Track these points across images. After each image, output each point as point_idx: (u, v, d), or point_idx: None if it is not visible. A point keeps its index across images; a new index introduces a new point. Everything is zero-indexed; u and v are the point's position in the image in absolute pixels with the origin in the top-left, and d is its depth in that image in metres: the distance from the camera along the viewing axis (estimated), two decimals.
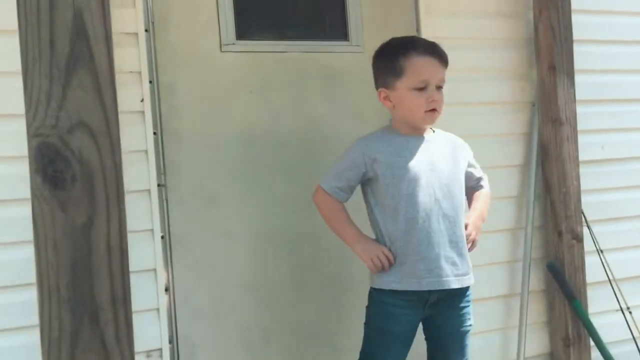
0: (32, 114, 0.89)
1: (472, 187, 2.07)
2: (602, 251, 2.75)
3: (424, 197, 1.85)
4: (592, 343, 2.67)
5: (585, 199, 2.74)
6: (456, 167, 1.97)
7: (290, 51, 2.42)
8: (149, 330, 2.16)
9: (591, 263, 2.73)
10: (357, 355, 2.37)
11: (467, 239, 1.93)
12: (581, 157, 2.73)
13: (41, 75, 0.89)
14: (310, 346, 2.41)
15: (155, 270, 2.18)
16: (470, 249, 1.95)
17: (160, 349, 2.18)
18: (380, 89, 1.95)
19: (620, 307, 2.72)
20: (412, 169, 1.87)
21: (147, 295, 2.16)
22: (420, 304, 1.87)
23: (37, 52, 0.89)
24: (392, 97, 1.91)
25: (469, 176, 2.03)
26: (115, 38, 2.06)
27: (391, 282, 1.85)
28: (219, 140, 2.32)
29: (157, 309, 2.18)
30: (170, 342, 2.22)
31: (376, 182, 1.88)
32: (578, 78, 2.71)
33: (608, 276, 2.74)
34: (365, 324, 1.97)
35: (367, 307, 1.96)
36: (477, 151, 2.64)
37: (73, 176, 0.89)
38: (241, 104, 2.35)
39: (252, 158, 2.35)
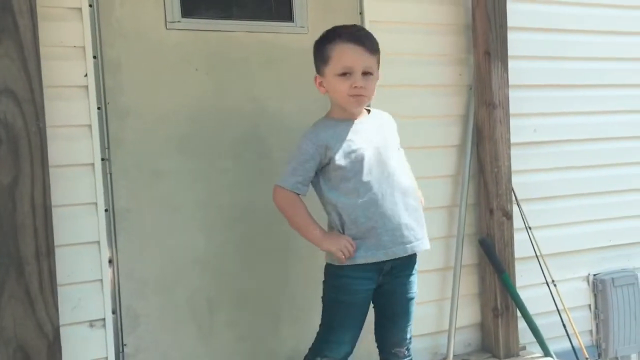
0: None
1: None
2: (530, 228, 2.92)
3: (378, 174, 1.97)
4: (519, 314, 2.84)
5: (516, 179, 2.90)
6: (393, 141, 2.12)
7: (236, 30, 2.47)
8: (92, 301, 2.21)
9: (521, 239, 2.90)
10: (300, 325, 2.49)
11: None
12: (514, 140, 2.88)
13: None
14: (254, 317, 2.50)
15: (98, 242, 2.22)
16: None
17: (104, 319, 2.24)
18: (315, 75, 2.07)
19: (546, 280, 2.91)
20: (362, 150, 1.98)
21: (90, 267, 2.21)
22: (376, 273, 2.00)
23: None
24: (324, 83, 2.03)
25: None
26: (58, 12, 2.13)
27: (356, 258, 1.96)
28: (163, 116, 2.36)
29: (101, 280, 2.23)
30: (114, 312, 2.28)
31: (330, 167, 1.98)
32: (512, 64, 2.85)
33: (535, 252, 2.91)
34: (324, 297, 2.07)
35: (325, 282, 2.07)
36: (416, 131, 2.78)
37: None
38: (186, 81, 2.40)
39: (196, 134, 2.41)
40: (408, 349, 2.13)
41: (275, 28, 2.55)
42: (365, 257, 1.96)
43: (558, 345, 2.91)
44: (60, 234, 1.94)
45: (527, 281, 2.95)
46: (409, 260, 2.06)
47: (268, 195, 2.51)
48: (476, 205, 2.90)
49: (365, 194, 1.95)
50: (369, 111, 2.14)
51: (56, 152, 1.98)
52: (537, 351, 2.84)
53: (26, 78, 0.97)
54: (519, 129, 2.95)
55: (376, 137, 2.04)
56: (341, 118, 2.04)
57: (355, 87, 1.95)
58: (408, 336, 2.12)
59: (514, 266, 2.84)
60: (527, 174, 3.00)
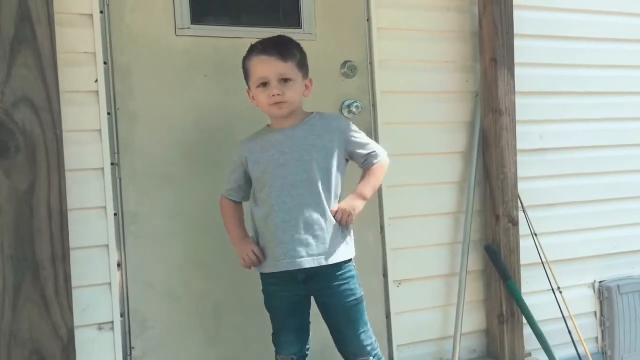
0: None
1: (362, 165, 2.12)
2: (536, 235, 2.92)
3: (280, 187, 2.00)
4: (525, 321, 2.85)
5: (522, 186, 2.91)
6: (321, 152, 2.02)
7: (245, 37, 2.48)
8: (101, 304, 2.24)
9: (527, 246, 2.91)
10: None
11: (336, 220, 2.01)
12: (520, 146, 2.89)
13: None
14: (261, 320, 2.50)
15: (107, 246, 2.25)
16: (341, 221, 2.01)
17: (112, 322, 2.26)
18: (247, 89, 2.14)
19: (552, 287, 2.91)
20: (271, 162, 2.03)
21: (99, 271, 2.23)
22: (291, 282, 2.03)
23: None
24: (252, 96, 2.10)
25: (356, 156, 2.10)
26: (70, 19, 2.16)
27: (263, 267, 2.06)
28: (172, 121, 2.39)
29: (109, 284, 2.25)
30: (122, 316, 2.30)
31: (252, 177, 2.10)
32: (519, 71, 2.87)
33: (541, 258, 2.92)
34: None
35: None
36: (423, 138, 2.81)
37: (17, 146, 0.97)
38: (195, 87, 2.42)
39: (204, 139, 2.43)
40: (374, 355, 2.08)
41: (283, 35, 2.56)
42: (265, 267, 2.05)
43: (564, 352, 2.91)
44: (71, 237, 1.95)
45: (532, 288, 2.95)
46: (328, 270, 2.00)
47: None
48: (482, 212, 2.91)
49: (266, 205, 2.02)
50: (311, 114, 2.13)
51: (68, 156, 1.99)
52: (543, 358, 2.84)
53: (44, 87, 0.99)
54: (525, 136, 2.96)
55: (298, 147, 2.02)
56: (275, 128, 2.10)
57: (273, 95, 2.00)
58: (366, 343, 2.06)
59: (519, 273, 2.85)
60: (533, 181, 3.01)
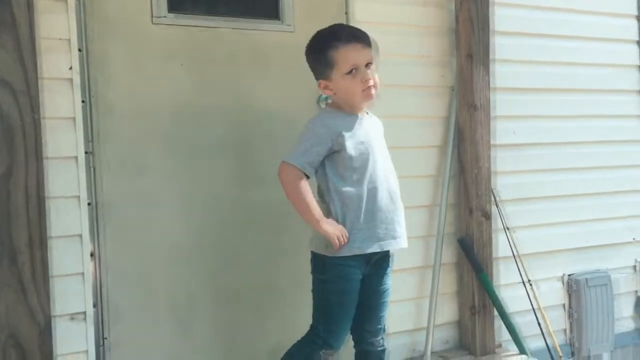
0: None
1: None
2: (508, 229, 2.98)
3: (379, 169, 2.07)
4: (496, 313, 2.90)
5: (497, 181, 2.96)
6: (384, 142, 2.19)
7: (222, 27, 2.49)
8: (73, 294, 2.21)
9: (500, 239, 2.96)
10: (282, 319, 2.52)
11: None
12: (493, 141, 2.93)
13: None
14: (235, 311, 2.52)
15: (81, 235, 2.22)
16: None
17: (85, 312, 2.24)
18: (319, 81, 2.10)
19: (522, 280, 2.97)
20: (368, 144, 2.06)
21: (72, 260, 2.20)
22: (365, 264, 2.07)
23: None
24: (331, 86, 2.07)
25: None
26: (44, 4, 2.12)
27: (353, 248, 2.01)
28: (147, 110, 2.37)
29: (82, 274, 2.23)
30: (95, 306, 2.28)
31: (340, 155, 2.02)
32: (495, 67, 2.90)
33: (513, 252, 2.97)
34: (318, 288, 2.09)
35: (319, 273, 2.08)
36: (400, 132, 2.82)
37: None
38: (172, 77, 2.41)
39: (180, 129, 2.42)
40: (382, 339, 2.21)
41: (261, 26, 2.57)
42: (360, 248, 2.02)
43: (533, 343, 2.98)
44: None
45: (504, 280, 3.01)
46: (389, 254, 2.14)
47: (251, 191, 2.54)
48: (456, 205, 2.95)
49: (368, 185, 2.03)
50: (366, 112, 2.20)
51: (42, 143, 1.98)
52: (513, 349, 2.90)
53: (22, 70, 0.98)
54: (500, 131, 3.00)
55: (376, 134, 2.15)
56: (347, 112, 2.10)
57: (366, 80, 2.03)
58: (383, 325, 2.20)
59: (492, 265, 2.90)
60: (506, 176, 3.06)
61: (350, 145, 2.02)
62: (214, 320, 2.48)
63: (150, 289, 2.38)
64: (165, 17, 2.38)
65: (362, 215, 2.02)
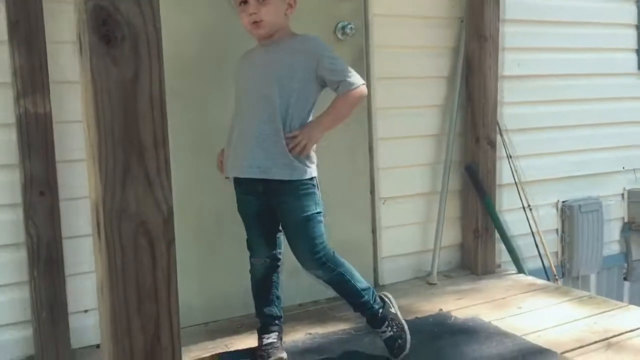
0: None
1: (335, 92, 2.06)
2: (511, 157, 3.13)
3: (245, 100, 2.07)
4: (498, 237, 3.08)
5: (502, 111, 3.08)
6: (286, 71, 2.02)
7: None
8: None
9: (503, 167, 3.11)
10: None
11: (293, 142, 1.99)
12: (503, 72, 3.04)
13: None
14: None
15: None
16: (294, 151, 1.99)
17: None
18: None
19: (523, 205, 3.15)
20: (243, 77, 2.11)
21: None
22: (254, 192, 2.07)
23: None
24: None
25: (328, 82, 2.05)
26: None
27: (225, 171, 2.15)
28: (179, 38, 2.39)
29: None
30: None
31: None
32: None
33: (514, 179, 3.13)
34: None
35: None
36: (408, 62, 2.90)
37: (123, 36, 1.02)
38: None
39: (204, 55, 2.45)
40: (323, 269, 2.03)
41: None
42: (227, 171, 2.13)
43: (529, 264, 3.18)
44: None
45: (505, 206, 3.19)
46: (283, 187, 2.01)
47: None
48: (463, 134, 3.07)
49: (236, 112, 2.11)
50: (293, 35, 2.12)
51: None
52: (512, 269, 3.11)
53: None
54: (507, 62, 3.10)
55: (268, 64, 2.04)
56: (260, 43, 2.11)
57: (250, 14, 2.00)
58: (314, 257, 2.02)
59: (495, 191, 3.06)
60: (510, 106, 3.18)
61: (236, 81, 2.13)
62: (238, 239, 2.59)
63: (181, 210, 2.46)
64: None
65: (228, 143, 2.10)
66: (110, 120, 1.02)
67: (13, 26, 1.94)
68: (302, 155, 2.00)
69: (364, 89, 2.04)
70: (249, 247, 2.21)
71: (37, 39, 1.99)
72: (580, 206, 3.42)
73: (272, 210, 2.08)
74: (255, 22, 2.01)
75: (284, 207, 2.04)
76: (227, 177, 2.16)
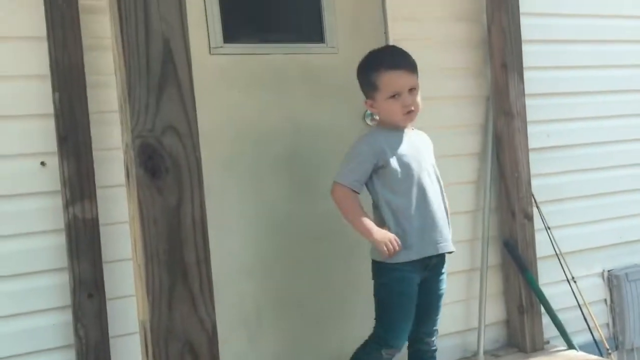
0: (134, 121, 1.12)
1: None
2: (549, 228, 3.10)
3: (425, 178, 2.22)
4: (543, 310, 3.01)
5: (534, 183, 3.08)
6: (431, 155, 2.35)
7: (273, 53, 2.64)
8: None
9: (541, 239, 3.08)
10: (343, 326, 2.64)
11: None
12: (530, 145, 3.06)
13: (141, 91, 1.12)
14: (298, 320, 2.64)
15: None
16: None
17: None
18: (366, 100, 2.30)
19: (567, 277, 3.08)
20: (411, 157, 2.22)
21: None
22: (422, 268, 2.21)
23: (137, 74, 1.12)
24: (375, 106, 2.27)
25: None
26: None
27: (410, 254, 2.16)
28: (210, 136, 2.51)
29: None
30: None
31: (385, 169, 2.19)
32: (527, 74, 3.04)
33: (555, 250, 3.09)
34: (380, 293, 2.24)
35: (380, 278, 2.23)
36: (440, 141, 2.93)
37: (166, 168, 1.12)
38: (229, 103, 2.56)
39: (241, 152, 2.56)
40: (435, 339, 2.35)
41: (308, 49, 2.71)
42: (416, 254, 2.17)
43: (578, 338, 3.08)
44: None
45: (547, 279, 3.12)
46: (443, 259, 2.29)
47: (308, 206, 2.68)
48: (498, 209, 3.07)
49: (410, 194, 2.18)
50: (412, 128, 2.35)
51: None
52: (561, 344, 3.01)
53: (185, 116, 1.14)
54: (534, 135, 3.13)
55: (419, 148, 2.29)
56: (392, 129, 2.26)
57: (406, 105, 2.19)
58: (437, 328, 2.34)
59: (536, 265, 3.02)
60: (543, 178, 3.18)
61: (394, 160, 2.18)
62: (279, 330, 2.61)
63: (223, 303, 2.51)
64: (221, 47, 2.53)
65: (415, 221, 2.16)
66: (156, 244, 1.10)
67: (62, 140, 2.09)
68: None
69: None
70: (395, 334, 2.20)
71: (84, 150, 2.13)
72: (627, 274, 3.33)
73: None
74: (410, 112, 2.20)
75: (439, 279, 2.28)
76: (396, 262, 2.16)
